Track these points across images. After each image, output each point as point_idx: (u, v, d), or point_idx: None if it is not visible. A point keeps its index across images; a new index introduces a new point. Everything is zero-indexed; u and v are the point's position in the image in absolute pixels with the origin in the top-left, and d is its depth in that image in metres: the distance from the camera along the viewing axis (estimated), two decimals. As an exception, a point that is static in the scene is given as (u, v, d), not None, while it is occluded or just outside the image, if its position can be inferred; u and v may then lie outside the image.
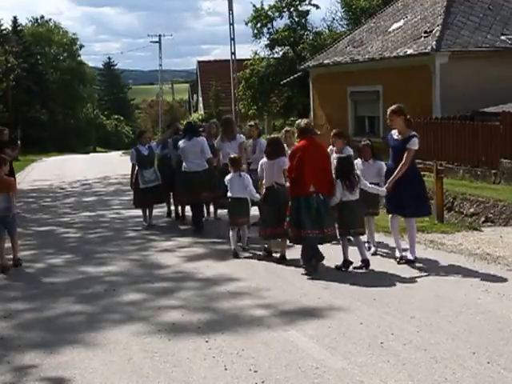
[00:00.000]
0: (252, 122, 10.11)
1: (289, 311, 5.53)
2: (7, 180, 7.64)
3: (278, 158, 7.31)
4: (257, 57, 32.41)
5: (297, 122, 7.52)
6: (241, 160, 8.20)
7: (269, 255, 7.57)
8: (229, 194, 7.94)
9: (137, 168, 10.12)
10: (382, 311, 5.40)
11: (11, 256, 7.70)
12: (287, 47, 31.90)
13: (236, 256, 7.65)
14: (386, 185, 7.00)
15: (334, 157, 7.72)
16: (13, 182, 7.78)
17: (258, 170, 7.65)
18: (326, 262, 7.04)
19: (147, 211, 10.29)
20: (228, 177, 7.99)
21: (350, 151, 7.79)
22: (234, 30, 29.82)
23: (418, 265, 6.94)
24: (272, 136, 8.27)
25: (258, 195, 7.67)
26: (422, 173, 13.09)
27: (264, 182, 7.47)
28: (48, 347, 4.91)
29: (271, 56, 32.37)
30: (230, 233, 7.88)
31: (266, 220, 7.44)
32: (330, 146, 8.08)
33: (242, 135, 9.45)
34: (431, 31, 17.74)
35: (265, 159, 7.47)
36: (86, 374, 4.40)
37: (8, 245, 7.70)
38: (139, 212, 10.92)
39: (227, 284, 6.50)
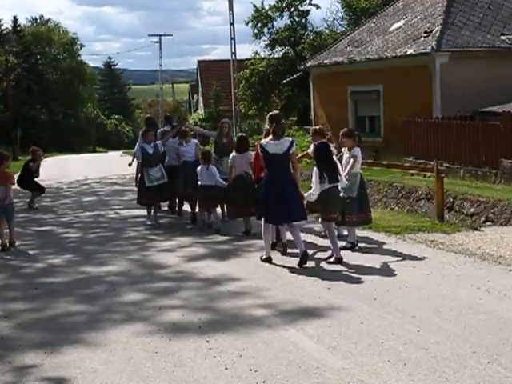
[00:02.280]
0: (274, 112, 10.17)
1: (289, 311, 5.53)
2: (7, 173, 8.85)
3: (245, 152, 8.70)
4: (257, 57, 32.40)
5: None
6: (210, 155, 9.69)
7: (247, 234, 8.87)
8: (199, 183, 9.38)
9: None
10: (382, 311, 5.40)
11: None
12: (287, 47, 31.88)
13: (200, 228, 9.51)
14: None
15: (346, 157, 7.90)
16: (12, 175, 9.00)
17: (229, 161, 8.84)
18: (329, 264, 7.06)
19: (152, 210, 10.26)
20: (198, 168, 9.42)
21: (356, 151, 7.83)
22: (235, 30, 29.77)
23: (417, 264, 6.96)
24: (240, 134, 9.51)
25: (224, 182, 9.06)
26: (422, 173, 13.27)
27: (234, 171, 8.77)
28: (49, 347, 4.91)
29: (271, 56, 32.35)
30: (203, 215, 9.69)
31: (232, 201, 8.91)
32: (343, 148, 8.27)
33: (195, 139, 10.63)
34: (431, 31, 17.74)
35: (234, 153, 8.78)
36: (86, 373, 4.40)
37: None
38: (139, 212, 10.94)
39: (228, 284, 6.51)
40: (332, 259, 7.12)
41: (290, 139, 7.35)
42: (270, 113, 8.08)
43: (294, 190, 7.09)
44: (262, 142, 7.37)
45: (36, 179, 13.24)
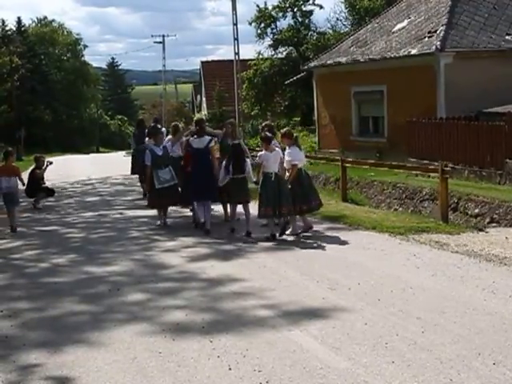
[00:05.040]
0: (268, 122, 10.11)
1: (293, 311, 5.52)
2: (14, 167, 10.42)
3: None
4: (260, 57, 32.39)
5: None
6: None
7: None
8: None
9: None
10: (386, 312, 5.38)
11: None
12: (291, 47, 31.89)
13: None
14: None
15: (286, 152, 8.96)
16: (18, 168, 10.65)
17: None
18: (332, 262, 7.03)
19: (162, 211, 10.23)
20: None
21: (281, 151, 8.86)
22: (238, 30, 29.62)
23: (421, 265, 6.94)
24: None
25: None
26: (426, 173, 13.23)
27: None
28: (52, 346, 4.92)
29: (275, 56, 32.34)
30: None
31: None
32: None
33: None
34: (435, 31, 17.68)
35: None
36: (90, 373, 4.41)
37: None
38: (143, 212, 10.93)
39: (231, 284, 6.50)
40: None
41: (209, 138, 9.33)
42: (195, 118, 9.66)
43: (210, 177, 9.10)
44: (190, 139, 9.38)
45: (44, 185, 13.51)
